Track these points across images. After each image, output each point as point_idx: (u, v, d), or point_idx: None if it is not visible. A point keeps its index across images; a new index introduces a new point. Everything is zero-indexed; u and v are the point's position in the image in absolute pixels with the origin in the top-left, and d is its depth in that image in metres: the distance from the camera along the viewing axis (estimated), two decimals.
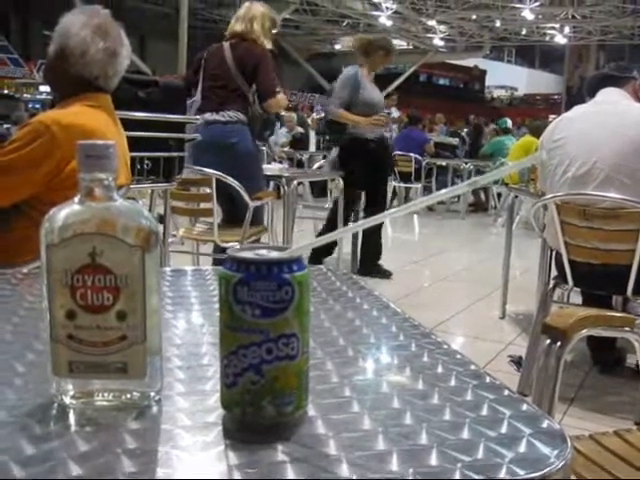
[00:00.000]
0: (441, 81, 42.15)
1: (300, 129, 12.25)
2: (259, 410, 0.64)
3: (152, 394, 0.70)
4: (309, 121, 14.92)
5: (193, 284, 1.26)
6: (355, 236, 5.75)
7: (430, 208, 11.06)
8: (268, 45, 4.46)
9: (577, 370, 3.37)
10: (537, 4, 23.13)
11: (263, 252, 0.66)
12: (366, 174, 5.48)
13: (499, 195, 10.23)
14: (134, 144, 2.55)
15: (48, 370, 0.68)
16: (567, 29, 27.74)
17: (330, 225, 5.62)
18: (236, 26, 4.45)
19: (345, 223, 5.59)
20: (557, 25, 27.06)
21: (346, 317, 1.06)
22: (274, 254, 0.65)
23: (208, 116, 4.32)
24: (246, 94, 4.36)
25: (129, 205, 0.67)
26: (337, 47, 31.45)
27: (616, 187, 2.78)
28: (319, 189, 9.43)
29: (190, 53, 20.26)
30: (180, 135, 3.12)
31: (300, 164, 10.86)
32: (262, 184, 4.60)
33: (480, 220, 9.95)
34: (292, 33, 29.28)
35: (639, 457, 1.40)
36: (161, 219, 3.40)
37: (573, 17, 25.59)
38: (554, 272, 3.21)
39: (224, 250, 4.14)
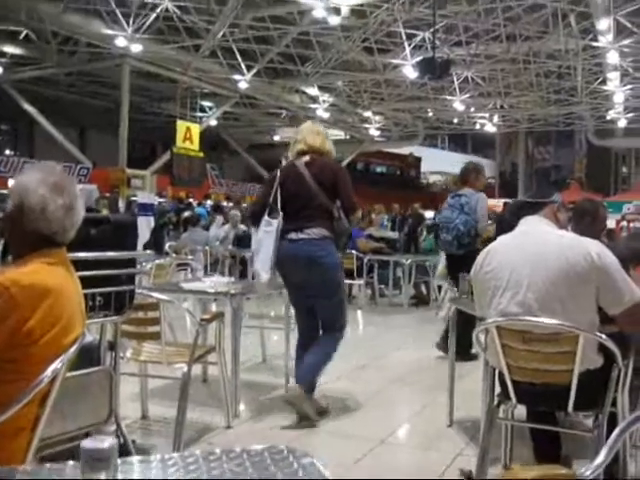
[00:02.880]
0: (378, 169, 43.24)
1: (243, 226, 12.30)
2: None
3: None
4: None
5: None
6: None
7: (374, 301, 11.21)
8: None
9: None
10: (467, 96, 24.16)
11: None
12: None
13: (439, 287, 10.44)
14: (86, 282, 2.61)
15: None
16: (496, 118, 28.95)
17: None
18: (316, 140, 4.59)
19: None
20: (487, 114, 28.24)
21: None
22: None
23: (293, 235, 4.46)
24: (331, 209, 4.50)
25: None
26: (276, 138, 32.03)
27: (549, 313, 2.93)
28: None
29: (130, 144, 20.37)
30: (131, 271, 3.18)
31: (243, 262, 10.87)
32: (342, 291, 4.81)
33: (423, 314, 10.03)
34: (232, 125, 29.82)
35: None
36: (111, 346, 3.41)
37: (501, 107, 26.82)
38: (498, 388, 3.32)
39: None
